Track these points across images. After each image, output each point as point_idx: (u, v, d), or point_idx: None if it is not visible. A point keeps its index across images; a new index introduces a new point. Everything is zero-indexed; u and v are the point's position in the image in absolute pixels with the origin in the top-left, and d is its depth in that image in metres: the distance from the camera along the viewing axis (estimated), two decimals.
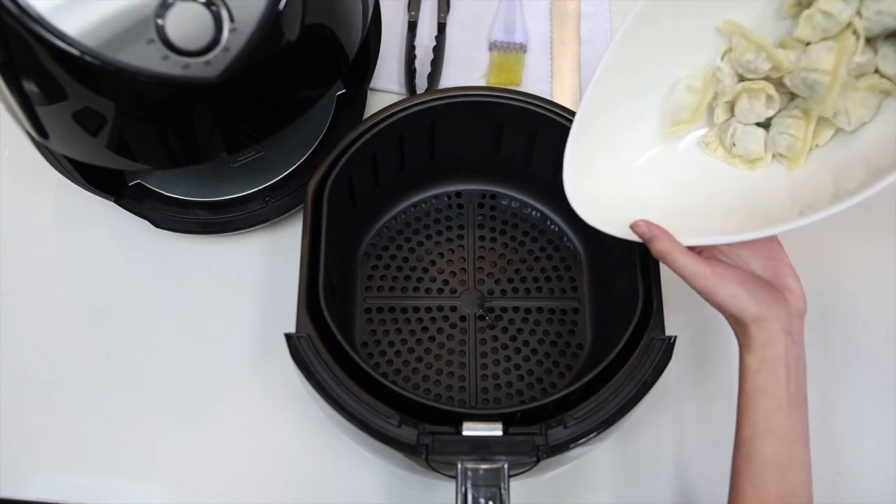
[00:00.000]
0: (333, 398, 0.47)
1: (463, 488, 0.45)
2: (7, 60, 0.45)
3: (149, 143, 0.51)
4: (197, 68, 0.45)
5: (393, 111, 0.57)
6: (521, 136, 0.60)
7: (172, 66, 0.44)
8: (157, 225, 0.62)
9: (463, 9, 0.76)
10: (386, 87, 0.72)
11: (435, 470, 0.48)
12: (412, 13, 0.74)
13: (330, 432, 0.59)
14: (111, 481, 0.58)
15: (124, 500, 0.57)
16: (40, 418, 0.59)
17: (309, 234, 0.52)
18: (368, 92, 0.67)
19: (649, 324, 0.50)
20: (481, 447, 0.46)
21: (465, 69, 0.73)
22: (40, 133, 0.50)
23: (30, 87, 0.46)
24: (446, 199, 0.65)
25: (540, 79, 0.73)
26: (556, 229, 0.64)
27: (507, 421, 0.47)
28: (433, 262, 0.63)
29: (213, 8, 0.44)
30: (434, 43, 0.73)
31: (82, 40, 0.43)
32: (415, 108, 0.57)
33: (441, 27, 0.74)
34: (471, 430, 0.47)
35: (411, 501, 0.57)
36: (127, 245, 0.65)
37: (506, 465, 0.46)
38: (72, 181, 0.59)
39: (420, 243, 0.64)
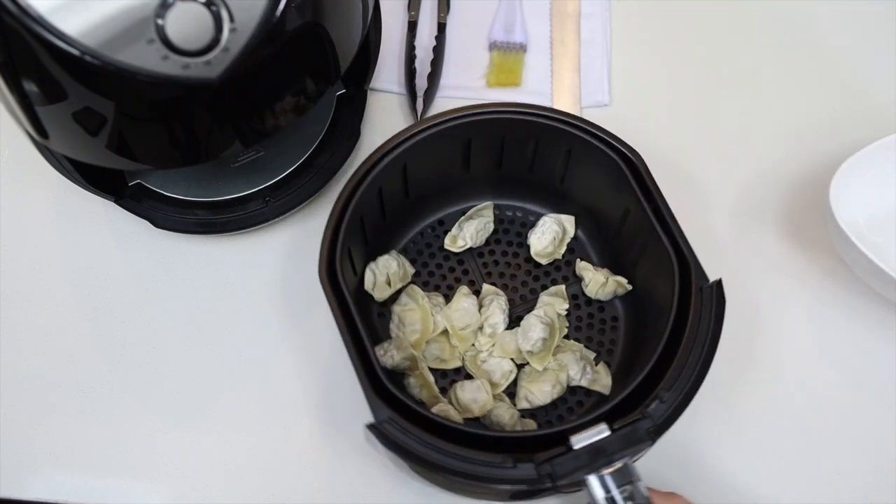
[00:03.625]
0: (443, 467, 0.46)
1: (601, 495, 0.45)
2: (7, 60, 0.45)
3: (149, 143, 0.51)
4: (197, 68, 0.45)
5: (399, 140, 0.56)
6: (523, 149, 0.60)
7: (172, 66, 0.44)
8: (157, 225, 0.62)
9: (463, 9, 0.76)
10: (386, 87, 0.72)
11: (559, 492, 0.47)
12: (412, 13, 0.74)
13: (330, 432, 0.59)
14: (111, 481, 0.58)
15: (124, 500, 0.57)
16: (40, 418, 0.59)
17: (343, 321, 0.50)
18: (368, 92, 0.67)
19: (691, 277, 0.51)
20: (600, 453, 0.45)
21: (465, 69, 0.73)
22: (40, 133, 0.50)
23: (30, 87, 0.46)
24: (430, 229, 0.66)
25: (540, 79, 0.73)
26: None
27: (608, 418, 0.47)
28: (444, 277, 0.64)
29: (213, 8, 0.44)
30: (434, 43, 0.73)
31: (82, 40, 0.43)
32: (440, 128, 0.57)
33: (441, 27, 0.74)
34: (580, 441, 0.46)
35: (411, 501, 0.57)
36: (127, 245, 0.65)
37: (629, 460, 0.46)
38: (72, 181, 0.59)
39: (426, 265, 0.64)
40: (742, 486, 0.58)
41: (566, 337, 0.61)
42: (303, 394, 0.60)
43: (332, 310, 0.50)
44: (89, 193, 0.60)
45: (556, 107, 0.71)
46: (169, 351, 0.61)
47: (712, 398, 0.60)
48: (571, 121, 0.57)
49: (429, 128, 0.56)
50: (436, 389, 0.58)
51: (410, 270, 0.62)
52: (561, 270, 0.64)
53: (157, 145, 0.51)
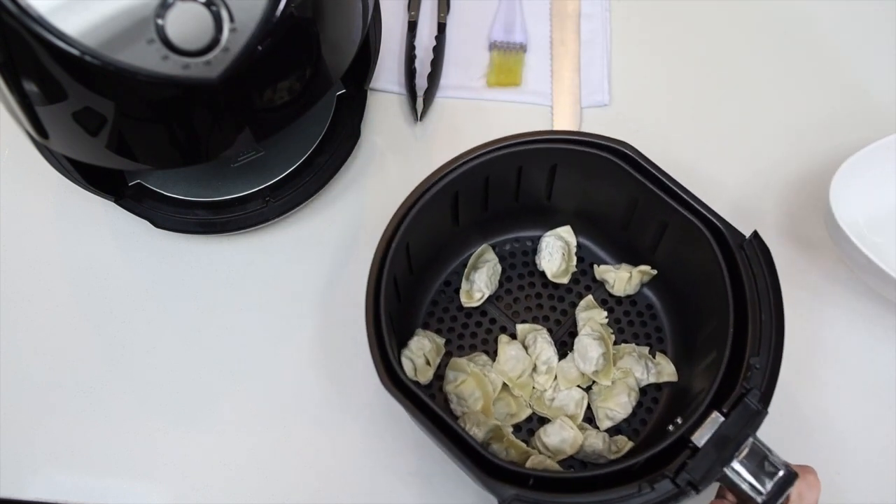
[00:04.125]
0: None
1: (745, 483, 0.45)
2: (7, 60, 0.45)
3: (149, 143, 0.51)
4: (197, 68, 0.45)
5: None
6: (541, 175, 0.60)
7: (172, 66, 0.44)
8: (157, 225, 0.62)
9: (463, 9, 0.76)
10: (386, 88, 0.72)
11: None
12: (412, 13, 0.74)
13: (330, 432, 0.59)
14: (111, 481, 0.58)
15: (124, 500, 0.57)
16: (40, 418, 0.59)
17: (432, 423, 0.47)
18: (368, 92, 0.67)
19: (727, 239, 0.51)
20: (725, 441, 0.45)
21: (465, 69, 0.73)
22: (40, 133, 0.50)
23: (30, 87, 0.46)
24: (441, 294, 0.63)
25: (540, 79, 0.73)
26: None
27: (715, 404, 0.47)
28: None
29: (213, 8, 0.44)
30: (434, 43, 0.73)
31: (82, 40, 0.43)
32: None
33: (441, 27, 0.74)
34: (703, 437, 0.46)
35: (411, 500, 0.57)
36: (127, 245, 0.65)
37: (753, 437, 0.46)
38: (72, 181, 0.59)
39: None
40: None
41: (615, 343, 0.60)
42: (302, 394, 0.60)
43: (414, 415, 0.47)
44: (89, 193, 0.60)
45: (556, 107, 0.71)
46: (169, 351, 0.61)
47: None
48: (553, 137, 0.56)
49: (420, 197, 0.54)
50: (523, 445, 0.56)
51: (441, 342, 0.60)
52: (580, 282, 0.63)
53: (157, 145, 0.51)
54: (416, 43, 0.73)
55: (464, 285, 0.62)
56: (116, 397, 0.60)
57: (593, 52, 0.74)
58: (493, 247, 0.64)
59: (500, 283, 0.63)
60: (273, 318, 0.63)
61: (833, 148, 0.69)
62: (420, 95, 0.71)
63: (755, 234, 0.51)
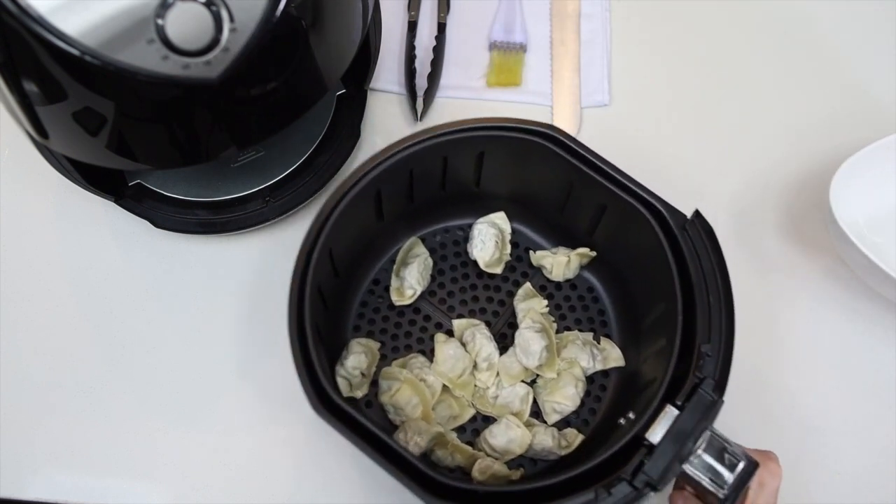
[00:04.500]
0: None
1: (705, 478, 0.43)
2: (7, 60, 0.45)
3: (149, 143, 0.51)
4: (197, 68, 0.45)
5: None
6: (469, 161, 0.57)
7: (172, 66, 0.44)
8: (157, 225, 0.62)
9: (463, 9, 0.76)
10: (386, 88, 0.72)
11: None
12: (412, 13, 0.74)
13: (331, 432, 0.59)
14: (111, 481, 0.58)
15: (124, 500, 0.57)
16: (40, 418, 0.59)
17: (368, 445, 0.45)
18: (368, 92, 0.67)
19: (668, 221, 0.50)
20: (681, 436, 0.43)
21: (465, 69, 0.73)
22: (40, 133, 0.50)
23: (30, 87, 0.46)
24: (369, 294, 0.61)
25: (540, 79, 0.73)
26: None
27: (669, 397, 0.45)
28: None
29: (213, 8, 0.44)
30: (434, 43, 0.73)
31: (82, 40, 0.43)
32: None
33: (441, 27, 0.74)
34: (657, 433, 0.44)
35: (411, 500, 0.57)
36: (127, 245, 0.65)
37: (711, 429, 0.44)
38: (72, 181, 0.59)
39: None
40: None
41: (558, 331, 0.59)
42: (303, 394, 0.60)
43: (348, 437, 0.45)
44: (89, 193, 0.60)
45: (556, 107, 0.71)
46: (169, 351, 0.61)
47: None
48: (478, 126, 0.54)
49: (340, 201, 0.52)
50: (469, 449, 0.54)
51: (376, 347, 0.58)
52: (516, 269, 0.61)
53: (157, 145, 0.51)
54: (416, 43, 0.73)
55: (394, 282, 0.60)
56: (116, 397, 0.60)
57: (593, 52, 0.74)
58: (423, 239, 0.61)
59: (433, 277, 0.60)
60: (273, 318, 0.63)
61: (833, 148, 0.69)
62: (420, 95, 0.71)
63: (697, 214, 0.49)
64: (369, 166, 0.52)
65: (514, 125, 0.54)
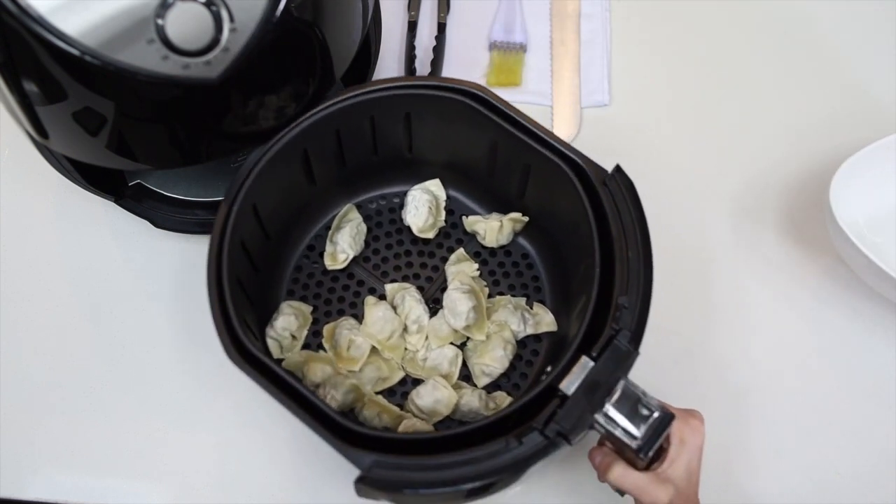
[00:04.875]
0: (452, 480, 0.42)
1: (617, 429, 0.43)
2: (7, 60, 0.45)
3: (149, 143, 0.51)
4: (197, 68, 0.45)
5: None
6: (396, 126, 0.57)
7: (172, 66, 0.44)
8: (157, 225, 0.62)
9: (463, 9, 0.76)
10: None
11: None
12: (412, 13, 0.74)
13: None
14: (111, 481, 0.57)
15: (124, 500, 0.57)
16: (40, 418, 0.59)
17: (282, 392, 0.45)
18: None
19: (588, 177, 0.50)
20: (595, 387, 0.43)
21: (465, 69, 0.73)
22: (40, 133, 0.50)
23: (30, 87, 0.46)
24: (305, 259, 0.62)
25: (540, 79, 0.73)
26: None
27: (584, 349, 0.45)
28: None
29: (213, 8, 0.44)
30: (434, 43, 0.73)
31: (82, 40, 0.43)
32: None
33: (441, 27, 0.74)
34: (571, 384, 0.43)
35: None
36: (127, 245, 0.65)
37: (625, 380, 0.43)
38: (72, 181, 0.59)
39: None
40: (742, 487, 0.58)
41: (490, 296, 0.59)
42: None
43: (264, 387, 0.45)
44: (89, 193, 0.60)
45: (556, 107, 0.71)
46: (169, 351, 0.61)
47: (712, 398, 0.60)
48: (401, 84, 0.54)
49: (262, 157, 0.52)
50: (395, 409, 0.55)
51: (308, 310, 0.59)
52: (451, 236, 0.62)
53: (157, 145, 0.51)
54: (416, 43, 0.73)
55: (328, 247, 0.61)
56: (116, 397, 0.60)
57: (593, 52, 0.74)
58: (359, 206, 0.62)
59: (367, 243, 0.61)
60: None
61: (833, 148, 0.68)
62: None
63: (618, 169, 0.49)
64: (291, 124, 0.52)
65: (436, 83, 0.54)
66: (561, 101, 0.72)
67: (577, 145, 0.69)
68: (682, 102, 0.72)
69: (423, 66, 0.72)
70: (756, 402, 0.60)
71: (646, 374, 0.61)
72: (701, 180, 0.69)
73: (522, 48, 0.74)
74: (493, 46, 0.74)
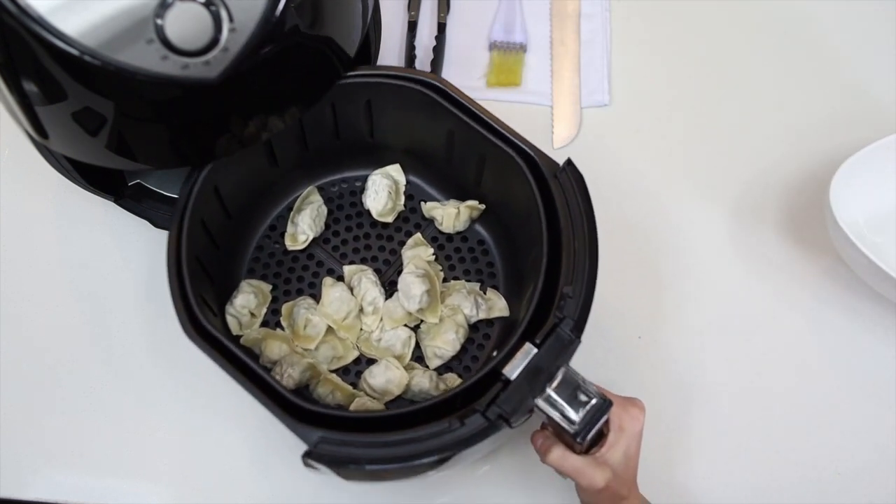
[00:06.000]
0: (395, 457, 0.44)
1: (556, 413, 0.44)
2: (7, 60, 0.45)
3: (148, 143, 0.51)
4: (196, 68, 0.45)
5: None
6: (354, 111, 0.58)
7: (172, 66, 0.44)
8: (156, 225, 0.62)
9: (463, 9, 0.76)
10: None
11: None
12: (412, 13, 0.74)
13: None
14: (111, 481, 0.58)
15: (124, 500, 0.57)
16: (40, 418, 0.59)
17: (234, 367, 0.47)
18: None
19: (540, 169, 0.51)
20: (537, 373, 0.44)
21: (465, 69, 0.73)
22: (40, 133, 0.50)
23: (30, 87, 0.46)
24: (267, 239, 0.63)
25: (540, 79, 0.73)
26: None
27: (529, 336, 0.46)
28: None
29: (213, 8, 0.44)
30: (434, 43, 0.73)
31: (82, 40, 0.43)
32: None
33: (441, 27, 0.74)
34: (514, 369, 0.45)
35: (411, 499, 0.57)
36: (127, 245, 0.65)
37: (566, 367, 0.45)
38: (72, 181, 0.59)
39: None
40: (743, 487, 0.58)
41: (445, 280, 0.60)
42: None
43: (217, 362, 0.47)
44: (89, 193, 0.60)
45: (556, 107, 0.71)
46: (169, 351, 0.61)
47: (711, 397, 0.60)
48: (363, 73, 0.55)
49: None
50: (349, 388, 0.56)
51: (268, 289, 0.60)
52: (410, 220, 0.63)
53: (157, 145, 0.51)
54: (416, 43, 0.73)
55: (289, 228, 0.62)
56: (116, 397, 0.60)
57: (593, 52, 0.74)
58: (321, 189, 0.63)
59: (328, 225, 0.63)
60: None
61: (833, 148, 0.69)
62: None
63: (569, 162, 0.51)
64: None
65: (396, 73, 0.56)
66: (561, 101, 0.72)
67: (577, 145, 0.70)
68: (682, 102, 0.72)
69: (422, 66, 0.72)
70: (756, 402, 0.60)
71: (645, 370, 0.61)
72: (701, 180, 0.69)
73: (522, 48, 0.74)
74: (493, 46, 0.74)
